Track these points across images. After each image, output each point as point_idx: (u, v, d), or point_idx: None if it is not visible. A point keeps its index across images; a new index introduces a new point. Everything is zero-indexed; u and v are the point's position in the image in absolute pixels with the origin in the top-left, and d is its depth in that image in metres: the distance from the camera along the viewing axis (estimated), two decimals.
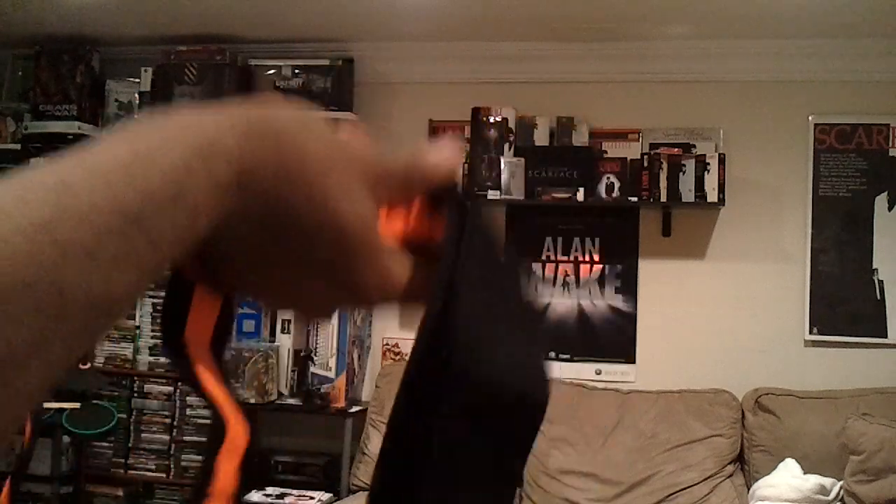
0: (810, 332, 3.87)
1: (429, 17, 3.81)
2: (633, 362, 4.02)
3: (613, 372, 4.02)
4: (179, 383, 4.17)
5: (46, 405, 3.74)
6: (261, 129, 0.35)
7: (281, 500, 3.73)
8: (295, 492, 3.80)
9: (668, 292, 4.00)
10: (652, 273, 4.02)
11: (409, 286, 0.42)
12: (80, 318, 0.30)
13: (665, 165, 3.80)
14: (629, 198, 3.86)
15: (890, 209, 3.84)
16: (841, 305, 3.85)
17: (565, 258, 4.10)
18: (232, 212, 0.35)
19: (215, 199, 0.34)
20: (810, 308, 3.87)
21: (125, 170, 0.32)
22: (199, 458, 4.10)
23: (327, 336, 3.97)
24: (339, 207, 0.37)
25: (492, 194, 3.94)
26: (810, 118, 3.93)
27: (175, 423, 4.15)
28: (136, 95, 4.20)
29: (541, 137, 4.03)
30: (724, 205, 3.79)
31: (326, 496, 3.79)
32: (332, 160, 0.38)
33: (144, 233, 0.31)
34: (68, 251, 0.29)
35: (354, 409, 3.99)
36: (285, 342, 4.02)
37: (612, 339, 4.04)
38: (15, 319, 0.28)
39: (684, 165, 3.80)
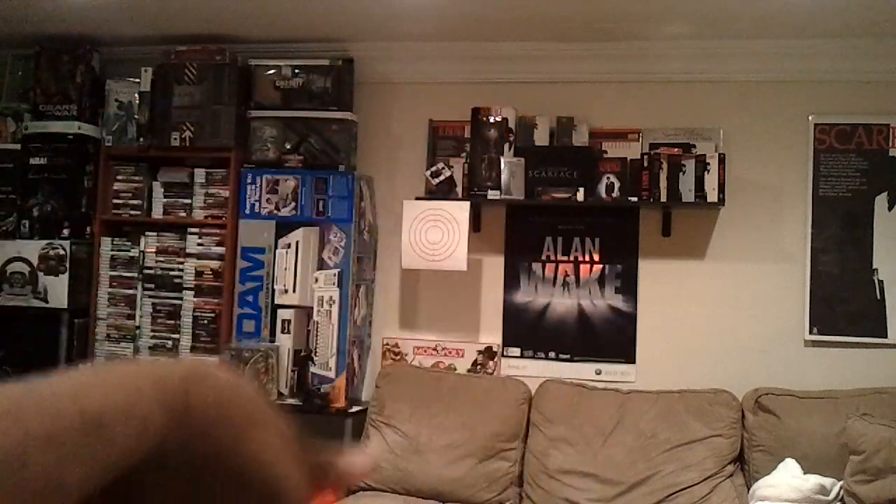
0: (810, 332, 3.87)
1: (429, 17, 3.81)
2: (633, 362, 4.02)
3: (613, 372, 4.02)
4: None
5: None
6: (205, 377, 0.44)
7: None
8: None
9: (668, 292, 4.01)
10: (652, 273, 4.02)
11: None
12: (34, 496, 0.35)
13: (665, 165, 3.80)
14: (629, 198, 3.86)
15: (890, 209, 3.84)
16: (841, 305, 3.85)
17: (565, 258, 4.10)
18: (174, 436, 0.41)
19: (163, 420, 0.41)
20: (810, 308, 3.87)
21: (94, 384, 0.40)
22: None
23: (327, 336, 3.97)
24: (258, 456, 0.45)
25: (492, 194, 3.94)
26: (810, 118, 3.93)
27: None
28: (136, 95, 4.20)
29: (541, 137, 4.03)
30: (724, 205, 3.79)
31: None
32: (258, 418, 0.46)
33: (100, 434, 0.37)
34: (32, 437, 0.35)
35: (354, 409, 3.99)
36: (285, 342, 4.02)
37: (612, 339, 4.04)
38: None
39: (684, 165, 3.80)
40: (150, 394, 0.40)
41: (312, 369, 3.98)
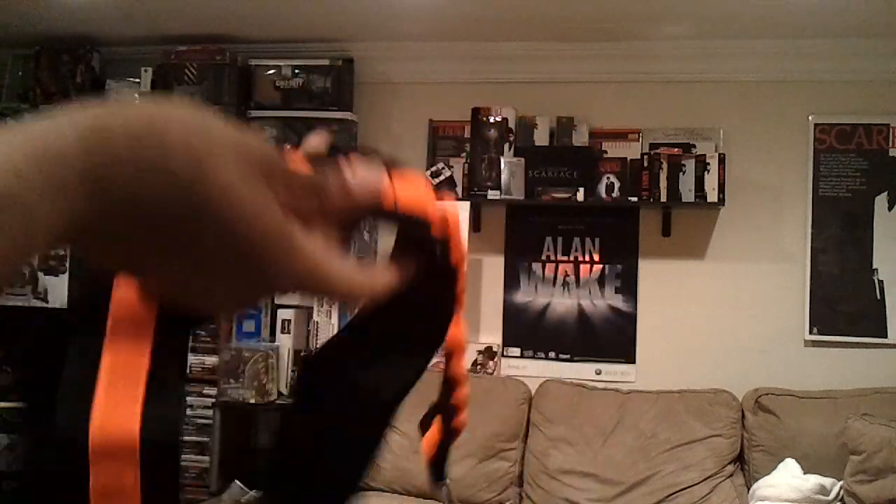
0: (810, 332, 3.87)
1: (429, 17, 3.81)
2: (633, 362, 4.02)
3: (613, 372, 4.02)
4: None
5: None
6: (108, 126, 0.34)
7: None
8: None
9: (668, 292, 4.01)
10: (652, 273, 4.02)
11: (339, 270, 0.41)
12: None
13: (665, 165, 3.80)
14: (629, 198, 3.86)
15: (890, 209, 3.84)
16: (841, 305, 3.85)
17: (565, 258, 4.10)
18: (89, 214, 0.33)
19: (58, 204, 0.32)
20: (810, 308, 3.87)
21: None
22: (200, 457, 4.10)
23: (327, 336, 3.96)
24: (222, 193, 0.35)
25: (492, 194, 3.94)
26: (810, 118, 3.93)
27: None
28: (136, 95, 4.20)
29: (541, 137, 4.03)
30: (724, 205, 3.79)
31: None
32: (202, 148, 0.35)
33: None
34: None
35: None
36: (285, 342, 4.02)
37: (612, 339, 4.04)
38: None
39: (684, 165, 3.80)
40: (30, 177, 0.31)
41: None
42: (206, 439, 4.07)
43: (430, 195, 0.46)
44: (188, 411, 4.15)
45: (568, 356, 4.07)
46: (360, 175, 0.43)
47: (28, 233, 0.31)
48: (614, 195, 3.89)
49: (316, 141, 0.44)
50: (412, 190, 0.45)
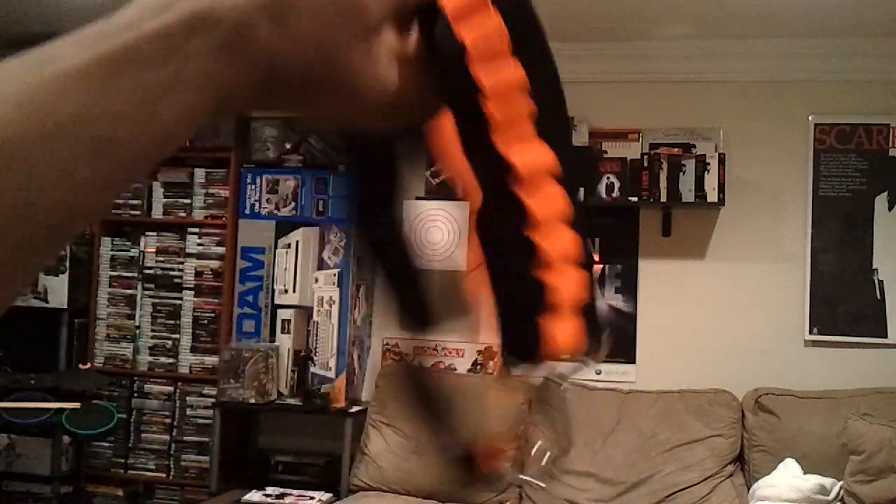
0: (810, 332, 3.87)
1: None
2: (633, 362, 4.02)
3: (613, 372, 4.02)
4: (178, 383, 4.17)
5: (46, 405, 3.74)
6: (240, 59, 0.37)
7: (281, 500, 3.73)
8: (295, 492, 3.80)
9: (668, 292, 4.01)
10: (652, 273, 4.02)
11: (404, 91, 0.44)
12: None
13: (665, 165, 3.80)
14: (629, 198, 3.87)
15: (890, 209, 3.84)
16: (841, 305, 3.85)
17: None
18: (210, 117, 0.37)
19: (188, 129, 0.36)
20: (810, 308, 3.87)
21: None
22: (200, 457, 4.10)
23: (327, 336, 3.97)
24: (339, 73, 0.39)
25: None
26: (810, 118, 3.93)
27: (175, 423, 4.15)
28: None
29: None
30: (724, 205, 3.79)
31: (326, 496, 3.79)
32: (320, 29, 0.38)
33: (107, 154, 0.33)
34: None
35: (354, 409, 3.99)
36: (285, 342, 4.02)
37: (612, 339, 4.04)
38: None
39: (684, 165, 3.80)
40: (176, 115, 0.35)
41: (312, 369, 3.98)
42: (206, 439, 4.07)
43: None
44: (188, 411, 4.16)
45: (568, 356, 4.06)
46: None
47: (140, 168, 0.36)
48: (614, 195, 3.89)
49: None
50: None
